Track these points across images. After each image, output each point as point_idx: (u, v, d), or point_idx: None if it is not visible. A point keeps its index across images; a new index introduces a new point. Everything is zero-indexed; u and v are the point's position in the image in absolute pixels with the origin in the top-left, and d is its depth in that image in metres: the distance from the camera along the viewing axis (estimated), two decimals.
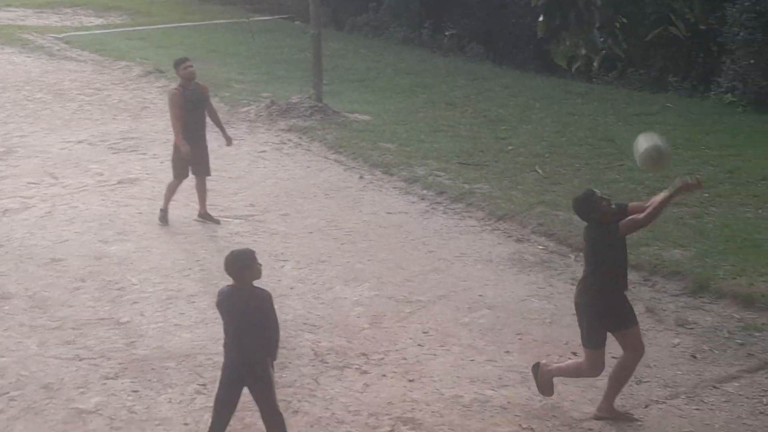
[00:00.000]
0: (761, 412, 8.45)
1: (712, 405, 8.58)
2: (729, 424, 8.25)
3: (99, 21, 30.22)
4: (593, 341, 8.14)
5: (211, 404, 7.39)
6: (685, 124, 18.46)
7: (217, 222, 12.85)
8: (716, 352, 9.54)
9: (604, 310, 8.05)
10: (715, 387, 8.87)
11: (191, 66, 12.71)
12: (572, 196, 13.64)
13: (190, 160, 12.73)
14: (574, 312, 8.44)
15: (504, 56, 27.08)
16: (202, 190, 12.97)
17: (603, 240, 8.03)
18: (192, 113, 12.67)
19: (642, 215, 7.98)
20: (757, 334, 9.84)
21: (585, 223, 8.29)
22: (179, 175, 12.91)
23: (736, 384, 8.93)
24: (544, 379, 8.49)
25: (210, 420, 7.41)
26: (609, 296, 8.07)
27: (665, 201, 7.98)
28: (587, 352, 8.24)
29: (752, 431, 8.17)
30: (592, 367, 8.24)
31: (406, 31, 29.30)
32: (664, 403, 8.61)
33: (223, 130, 13.33)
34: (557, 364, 8.58)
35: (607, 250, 8.03)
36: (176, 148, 12.78)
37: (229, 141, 13.48)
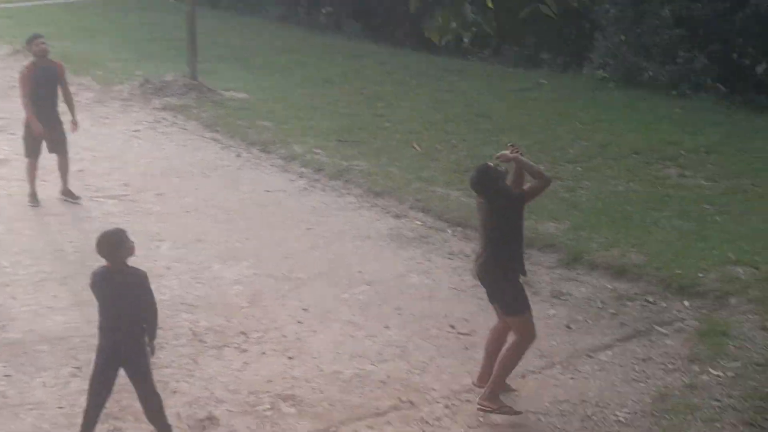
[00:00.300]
0: (633, 379, 8.63)
1: (586, 374, 8.76)
2: (603, 392, 8.42)
3: None
4: (521, 304, 8.10)
5: (87, 387, 7.26)
6: (558, 99, 18.80)
7: (77, 200, 12.62)
8: (590, 322, 9.74)
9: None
10: (589, 356, 9.04)
11: (44, 43, 12.52)
12: (449, 172, 13.89)
13: (45, 138, 12.48)
14: (473, 286, 8.48)
15: (380, 34, 27.15)
16: (63, 168, 12.73)
17: (514, 210, 8.03)
18: (44, 90, 12.43)
19: (536, 181, 8.03)
20: (629, 303, 10.06)
21: (475, 202, 8.28)
22: (31, 154, 12.64)
23: (609, 353, 9.12)
24: (495, 403, 8.11)
25: (85, 403, 7.28)
26: (513, 275, 8.11)
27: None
28: (517, 319, 8.09)
29: (625, 398, 8.34)
30: (527, 331, 8.09)
31: (282, 9, 29.17)
32: (540, 373, 8.76)
33: (72, 112, 12.96)
34: (492, 380, 8.13)
35: (518, 220, 8.05)
36: (27, 125, 12.52)
37: (74, 126, 13.01)
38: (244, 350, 9.05)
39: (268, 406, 8.12)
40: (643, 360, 8.97)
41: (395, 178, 13.71)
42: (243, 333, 9.36)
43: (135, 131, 16.24)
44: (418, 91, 19.36)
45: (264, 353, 9.01)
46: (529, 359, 8.96)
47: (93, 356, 7.34)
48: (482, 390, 8.13)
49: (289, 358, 8.92)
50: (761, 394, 8.16)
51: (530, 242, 11.41)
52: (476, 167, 8.26)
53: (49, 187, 13.14)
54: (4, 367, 8.58)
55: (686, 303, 10.05)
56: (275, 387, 8.39)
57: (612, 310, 9.95)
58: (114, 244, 7.13)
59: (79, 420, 7.35)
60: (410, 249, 11.58)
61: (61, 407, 7.99)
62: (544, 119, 17.20)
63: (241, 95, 18.54)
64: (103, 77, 19.60)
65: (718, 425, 7.76)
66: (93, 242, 11.23)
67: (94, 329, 8.75)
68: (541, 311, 9.90)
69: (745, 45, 20.40)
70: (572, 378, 8.67)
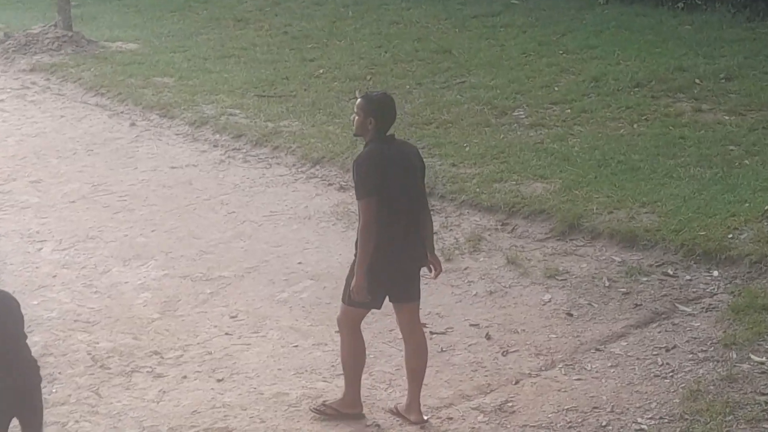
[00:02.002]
0: (656, 375, 8.62)
1: (596, 372, 8.73)
2: (619, 394, 8.40)
3: None
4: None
5: None
6: (535, 24, 18.86)
7: None
8: (596, 306, 9.73)
9: None
10: (598, 350, 9.04)
11: None
12: (404, 126, 13.88)
13: None
14: (444, 271, 8.52)
15: None
16: None
17: None
18: None
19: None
20: (644, 279, 10.10)
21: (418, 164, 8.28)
22: None
23: (624, 343, 9.12)
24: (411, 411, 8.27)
25: None
26: None
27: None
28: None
29: (647, 400, 8.33)
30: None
31: None
32: (537, 376, 8.75)
33: None
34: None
35: None
36: None
37: None
38: (160, 375, 9.01)
39: None
40: (667, 349, 8.98)
41: (336, 139, 13.71)
42: (156, 353, 9.32)
43: None
44: (357, 25, 19.35)
45: (185, 377, 8.97)
46: (523, 358, 9.01)
47: None
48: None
49: (218, 380, 8.88)
50: None
51: (513, 209, 11.53)
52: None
53: None
54: None
55: (715, 273, 10.10)
56: (203, 419, 8.37)
57: (623, 289, 9.96)
58: None
59: None
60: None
61: None
62: (520, 51, 17.25)
63: (131, 45, 18.45)
64: None
65: (766, 425, 7.83)
66: None
67: None
68: (533, 297, 9.97)
69: None
70: (579, 379, 8.66)
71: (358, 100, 8.04)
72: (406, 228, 7.97)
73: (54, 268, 10.87)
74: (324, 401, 8.38)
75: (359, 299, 7.95)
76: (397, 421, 8.14)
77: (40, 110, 15.76)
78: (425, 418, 8.18)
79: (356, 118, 7.92)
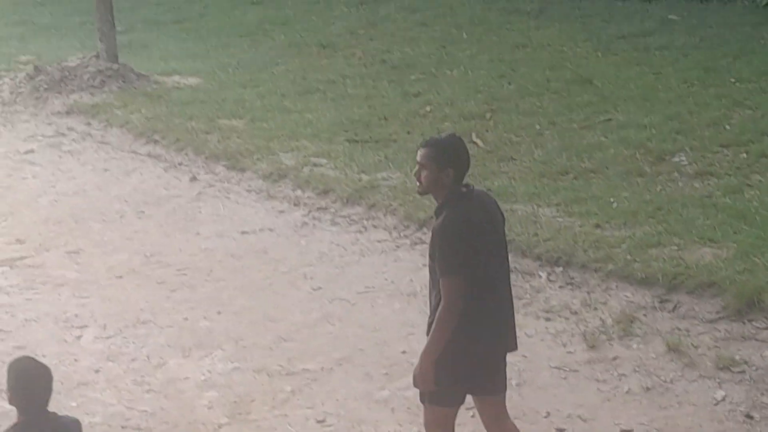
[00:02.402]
0: None
1: None
2: None
3: None
4: None
5: None
6: (700, 45, 18.80)
7: None
8: None
9: None
10: None
11: None
12: (534, 177, 13.88)
13: None
14: (587, 362, 8.51)
15: None
16: None
17: None
18: None
19: None
20: None
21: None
22: None
23: None
24: None
25: None
26: None
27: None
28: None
29: None
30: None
31: None
32: None
33: None
34: None
35: None
36: None
37: None
38: None
39: None
40: None
41: None
42: None
43: (27, 153, 16.35)
44: (473, 51, 19.40)
45: None
46: None
47: None
48: None
49: None
50: None
51: (674, 283, 11.44)
52: None
53: None
54: None
55: None
56: None
57: None
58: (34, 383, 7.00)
59: None
60: None
61: None
62: (680, 80, 17.20)
63: (191, 80, 18.63)
64: None
65: None
66: None
67: None
68: (704, 394, 9.89)
69: None
70: None
71: (423, 149, 7.93)
72: (495, 307, 8.00)
73: (97, 360, 10.94)
74: None
75: (423, 389, 8.05)
76: None
77: (79, 162, 15.94)
78: None
79: (425, 172, 7.87)
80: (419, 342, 10.74)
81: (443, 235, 7.74)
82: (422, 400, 8.23)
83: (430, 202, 13.43)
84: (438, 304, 7.80)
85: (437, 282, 7.80)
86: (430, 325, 7.94)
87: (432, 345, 7.84)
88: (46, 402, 6.82)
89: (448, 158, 7.82)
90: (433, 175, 7.82)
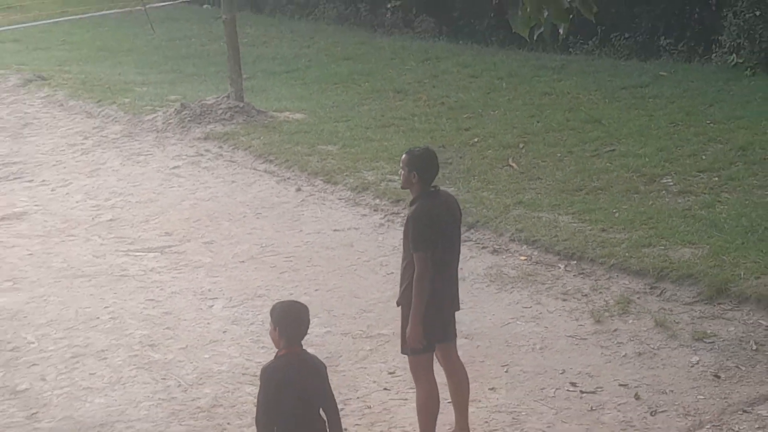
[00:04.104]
0: None
1: None
2: None
3: None
4: None
5: None
6: (683, 95, 18.62)
7: None
8: (743, 368, 9.56)
9: None
10: (745, 411, 8.87)
11: None
12: (556, 193, 13.82)
13: None
14: (594, 333, 8.48)
15: (460, 30, 27.17)
16: None
17: None
18: None
19: None
20: None
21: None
22: None
23: None
24: None
25: None
26: None
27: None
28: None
29: None
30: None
31: (339, 8, 29.39)
32: None
33: None
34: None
35: None
36: None
37: None
38: None
39: None
40: None
41: (490, 204, 13.69)
42: None
43: (174, 168, 16.41)
44: (510, 96, 19.32)
45: (346, 430, 9.01)
46: (671, 419, 8.88)
47: None
48: None
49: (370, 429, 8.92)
50: None
51: (661, 274, 11.38)
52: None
53: (79, 242, 13.37)
54: None
55: None
56: None
57: None
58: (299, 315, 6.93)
59: None
60: (514, 291, 11.54)
61: None
62: (668, 121, 17.06)
63: (298, 115, 18.65)
64: (131, 105, 19.83)
65: None
66: (133, 307, 11.46)
67: (141, 412, 8.95)
68: (682, 359, 9.83)
69: None
70: None
71: (403, 155, 8.29)
72: (449, 279, 8.34)
73: (224, 324, 11.01)
74: None
75: (415, 345, 8.14)
76: None
77: (213, 176, 16.02)
78: None
79: (401, 173, 8.25)
80: (467, 315, 10.77)
81: (413, 221, 8.07)
82: (405, 353, 8.38)
83: (476, 210, 13.49)
84: (406, 270, 8.18)
85: (408, 255, 8.12)
86: (401, 294, 8.28)
87: (417, 308, 8.04)
88: (303, 337, 6.82)
89: (415, 165, 8.15)
90: (405, 175, 8.21)
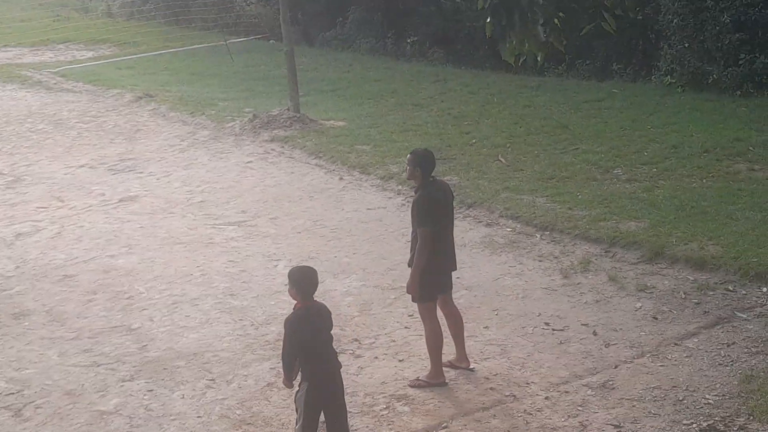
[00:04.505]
0: (720, 364, 8.50)
1: (675, 360, 8.63)
2: (692, 377, 8.31)
3: (90, 54, 29.92)
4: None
5: (221, 397, 7.31)
6: (630, 107, 18.52)
7: None
8: (675, 312, 9.59)
9: None
10: (676, 344, 8.92)
11: None
12: (533, 181, 13.78)
13: None
14: (563, 285, 8.53)
15: (462, 58, 27.07)
16: None
17: None
18: None
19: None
20: (711, 293, 9.91)
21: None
22: None
23: (696, 340, 8.98)
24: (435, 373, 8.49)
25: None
26: None
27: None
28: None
29: (713, 381, 8.21)
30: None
31: (371, 42, 29.28)
32: (631, 362, 8.66)
33: None
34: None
35: None
36: None
37: None
38: (359, 356, 9.10)
39: (384, 407, 8.16)
40: (728, 345, 8.84)
41: (484, 189, 13.65)
42: (356, 340, 9.41)
43: (247, 162, 16.40)
44: (499, 108, 19.24)
45: (376, 357, 9.04)
46: (621, 349, 8.89)
47: (225, 369, 7.40)
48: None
49: (400, 360, 8.95)
50: None
51: (613, 241, 11.37)
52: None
53: (177, 217, 13.41)
54: (147, 383, 8.75)
55: (764, 289, 9.88)
56: (388, 388, 8.43)
57: (695, 300, 9.79)
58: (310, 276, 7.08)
59: (215, 428, 7.47)
60: (502, 254, 11.52)
61: (199, 416, 8.12)
62: (618, 126, 16.97)
63: (340, 123, 18.62)
64: (216, 115, 19.84)
65: None
66: (218, 266, 11.47)
67: (224, 344, 8.99)
68: (628, 305, 9.84)
69: None
70: (662, 365, 8.55)
71: (408, 155, 8.40)
72: (447, 246, 8.40)
73: (285, 279, 10.92)
74: (417, 377, 8.50)
75: (411, 293, 8.34)
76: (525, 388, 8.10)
77: (276, 168, 15.98)
78: (472, 366, 8.63)
79: (408, 168, 8.30)
80: (467, 273, 10.79)
81: (418, 204, 8.19)
82: (414, 301, 8.45)
83: (474, 194, 13.45)
84: (413, 241, 8.31)
85: (414, 230, 8.25)
86: (411, 258, 8.33)
87: (416, 268, 8.20)
88: (314, 292, 7.04)
89: (418, 162, 8.23)
90: (411, 170, 8.27)
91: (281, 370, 7.19)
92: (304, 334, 6.87)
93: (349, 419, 7.74)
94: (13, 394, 8.67)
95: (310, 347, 6.91)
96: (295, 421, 7.18)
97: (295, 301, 7.05)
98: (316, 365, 6.94)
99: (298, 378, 7.04)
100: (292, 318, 6.93)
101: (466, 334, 9.21)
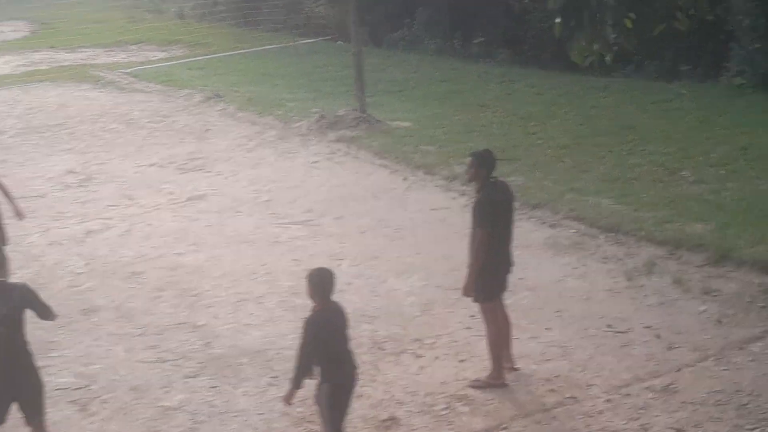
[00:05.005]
0: None
1: (739, 365, 8.53)
2: (756, 381, 8.20)
3: (162, 54, 30.27)
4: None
5: (283, 394, 7.32)
6: (699, 108, 18.26)
7: None
8: (740, 315, 9.47)
9: None
10: (741, 348, 8.81)
11: None
12: (599, 182, 13.66)
13: None
14: (627, 287, 8.84)
15: (529, 59, 26.88)
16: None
17: None
18: None
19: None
20: None
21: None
22: None
23: (760, 344, 8.86)
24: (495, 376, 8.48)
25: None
26: None
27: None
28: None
29: None
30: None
31: (438, 43, 29.21)
32: (694, 366, 8.57)
33: (12, 202, 11.26)
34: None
35: None
36: None
37: (20, 214, 11.34)
38: (420, 355, 9.12)
39: (444, 406, 8.17)
40: None
41: (549, 190, 13.57)
42: (418, 340, 9.43)
43: (314, 162, 16.48)
44: (566, 109, 19.08)
45: (437, 357, 9.05)
46: (684, 353, 8.79)
47: (288, 366, 7.46)
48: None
49: (461, 361, 8.95)
50: None
51: (678, 243, 11.26)
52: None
53: (243, 217, 13.55)
54: (211, 379, 8.88)
55: None
56: (449, 388, 8.44)
57: (761, 303, 9.67)
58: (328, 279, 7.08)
59: (276, 425, 7.55)
60: (566, 255, 11.44)
61: (261, 413, 8.23)
62: (686, 127, 16.75)
63: (406, 124, 18.60)
64: (283, 116, 19.95)
65: None
66: (283, 265, 11.55)
67: (287, 342, 9.04)
68: (692, 308, 9.74)
69: None
70: (725, 369, 8.46)
71: (469, 158, 8.43)
72: (505, 248, 8.41)
73: (349, 278, 10.98)
74: (477, 378, 8.51)
75: (469, 293, 8.33)
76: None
77: (342, 168, 16.04)
78: (517, 366, 8.64)
79: (472, 170, 8.31)
80: (530, 273, 10.70)
81: (479, 205, 8.21)
82: (476, 301, 8.43)
83: (538, 195, 13.36)
84: (472, 240, 8.27)
85: (474, 229, 8.21)
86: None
87: (471, 269, 8.23)
88: (332, 294, 7.02)
89: (480, 163, 8.24)
90: (473, 172, 8.30)
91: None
92: (325, 334, 6.91)
93: (409, 418, 7.80)
94: (80, 389, 8.84)
95: (330, 347, 6.96)
96: (322, 423, 7.16)
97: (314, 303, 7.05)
98: (337, 365, 7.00)
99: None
100: (312, 319, 6.94)
101: (528, 335, 9.23)
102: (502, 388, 8.35)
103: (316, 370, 6.96)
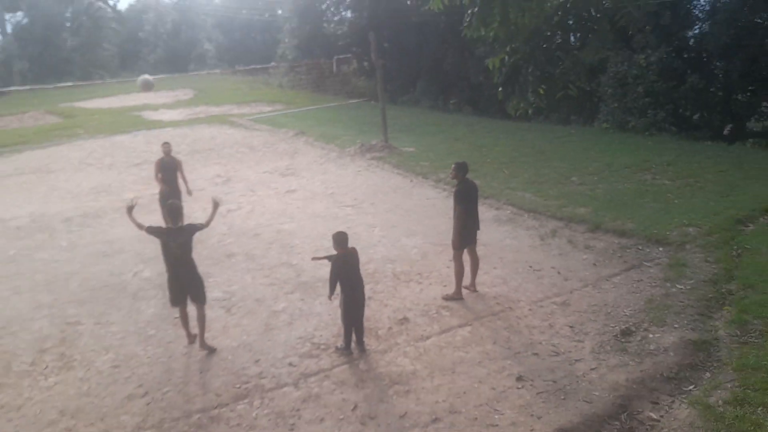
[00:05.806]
0: (633, 292, 8.36)
1: (606, 290, 8.50)
2: (616, 299, 8.19)
3: (269, 108, 30.11)
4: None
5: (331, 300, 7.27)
6: (581, 141, 18.05)
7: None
8: (606, 261, 9.40)
9: None
10: (607, 280, 8.77)
11: (167, 145, 11.11)
12: (524, 183, 13.53)
13: (167, 196, 10.41)
14: (542, 243, 8.29)
15: (483, 111, 26.78)
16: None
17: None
18: (168, 173, 10.95)
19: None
20: (628, 250, 9.68)
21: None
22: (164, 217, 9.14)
23: (619, 278, 8.82)
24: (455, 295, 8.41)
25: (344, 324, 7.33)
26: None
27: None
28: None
29: (629, 302, 8.08)
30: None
31: (430, 102, 29.11)
32: (580, 290, 8.53)
33: (186, 183, 10.98)
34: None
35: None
36: (161, 193, 10.69)
37: (189, 192, 10.92)
38: (420, 283, 9.12)
39: (435, 312, 8.20)
40: (638, 281, 8.67)
41: (494, 188, 13.47)
42: (419, 274, 9.42)
43: (358, 171, 16.43)
44: (504, 141, 18.94)
45: (431, 284, 9.06)
46: (574, 283, 8.74)
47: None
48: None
49: (444, 286, 8.94)
50: (706, 297, 7.77)
51: (570, 219, 11.12)
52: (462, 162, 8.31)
53: (317, 203, 13.52)
54: (300, 295, 8.90)
55: (661, 249, 9.61)
56: (437, 301, 8.47)
57: (619, 254, 9.59)
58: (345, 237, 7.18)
59: (339, 322, 7.59)
60: (505, 225, 11.38)
61: (329, 315, 8.27)
62: (575, 152, 16.60)
63: (411, 149, 18.50)
64: (340, 144, 19.89)
65: (683, 315, 7.43)
66: (341, 229, 11.40)
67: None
68: (578, 256, 9.63)
69: (686, 104, 19.42)
70: (598, 292, 8.44)
71: (453, 165, 8.13)
72: (473, 218, 8.19)
73: (379, 238, 10.99)
74: (446, 294, 8.37)
75: (455, 246, 8.17)
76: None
77: (374, 175, 15.92)
78: (477, 289, 8.40)
79: (453, 173, 8.09)
80: (484, 236, 10.54)
81: (458, 193, 8.05)
82: (454, 248, 8.26)
83: (488, 190, 13.21)
84: (454, 215, 8.08)
85: (455, 208, 8.06)
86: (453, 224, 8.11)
87: (455, 230, 8.09)
88: (347, 245, 7.09)
89: (459, 169, 8.06)
90: (454, 174, 8.08)
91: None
92: (343, 267, 7.01)
93: (414, 318, 7.82)
94: (226, 299, 8.94)
95: (345, 276, 7.02)
96: (342, 320, 7.29)
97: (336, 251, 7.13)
98: (350, 286, 7.07)
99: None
100: (335, 258, 7.10)
101: (482, 272, 9.21)
102: (460, 300, 8.35)
103: (339, 288, 7.06)
